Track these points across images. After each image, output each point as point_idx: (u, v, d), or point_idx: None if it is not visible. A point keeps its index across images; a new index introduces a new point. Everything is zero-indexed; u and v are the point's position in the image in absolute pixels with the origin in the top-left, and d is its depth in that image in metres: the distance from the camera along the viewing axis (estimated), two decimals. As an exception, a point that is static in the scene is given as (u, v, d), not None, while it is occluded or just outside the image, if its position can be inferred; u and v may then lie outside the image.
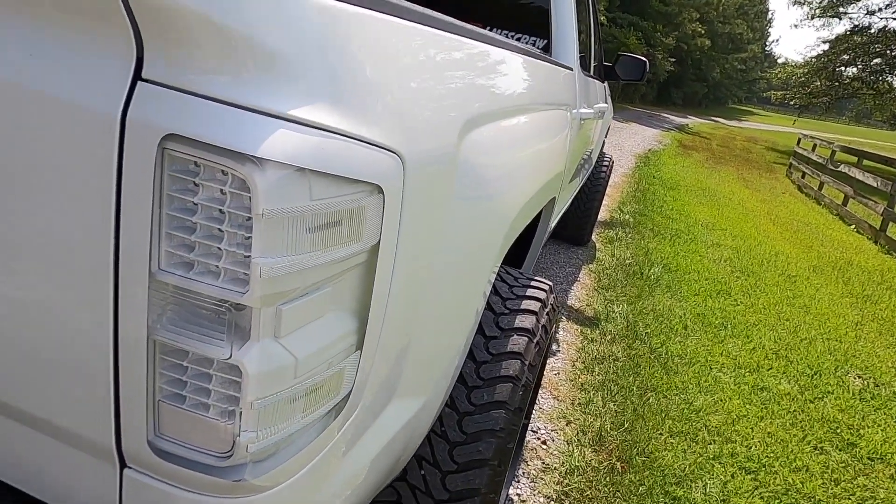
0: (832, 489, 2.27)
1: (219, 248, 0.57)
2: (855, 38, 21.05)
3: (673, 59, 31.81)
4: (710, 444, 2.37)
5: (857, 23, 21.59)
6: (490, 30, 2.48)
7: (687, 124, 25.08)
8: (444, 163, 0.84)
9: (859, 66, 21.60)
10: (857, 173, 8.85)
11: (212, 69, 0.54)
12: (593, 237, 5.04)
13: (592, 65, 3.33)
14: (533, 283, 1.46)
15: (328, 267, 0.64)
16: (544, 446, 2.16)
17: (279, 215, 0.56)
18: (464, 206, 0.94)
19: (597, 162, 4.42)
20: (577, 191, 3.59)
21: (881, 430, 2.77)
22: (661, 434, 2.36)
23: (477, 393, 1.23)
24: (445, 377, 1.11)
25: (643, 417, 2.45)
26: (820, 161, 10.86)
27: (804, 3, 22.48)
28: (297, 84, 0.58)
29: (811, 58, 23.06)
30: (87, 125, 0.56)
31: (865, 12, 21.38)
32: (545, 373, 2.68)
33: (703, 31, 35.12)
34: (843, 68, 22.03)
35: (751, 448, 2.40)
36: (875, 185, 8.13)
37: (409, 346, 0.88)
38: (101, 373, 0.63)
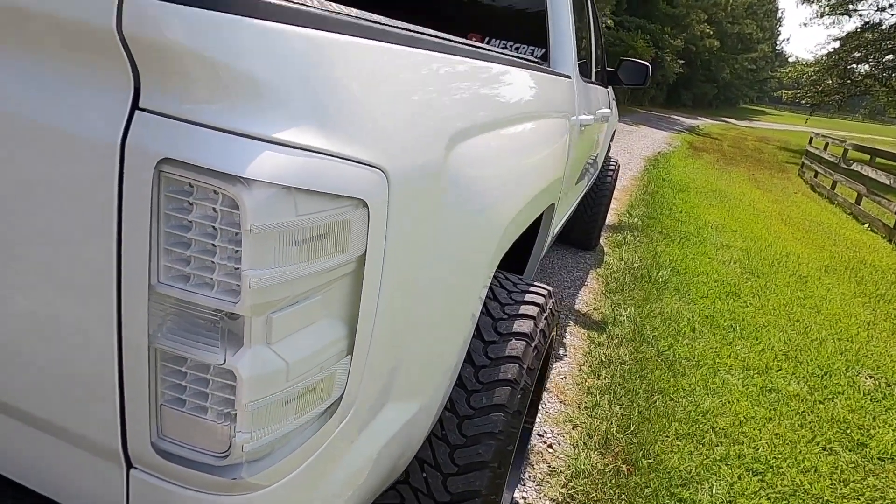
0: (841, 490, 2.26)
1: (212, 262, 0.62)
2: (866, 34, 20.82)
3: (682, 61, 31.68)
4: (717, 445, 2.37)
5: (867, 19, 21.40)
6: (489, 41, 2.53)
7: (697, 126, 24.91)
8: (430, 176, 0.88)
9: (871, 63, 21.37)
10: (870, 171, 8.77)
11: (203, 98, 0.60)
12: (601, 241, 5.05)
13: (594, 71, 3.37)
14: (532, 289, 1.49)
15: (316, 277, 0.68)
16: (550, 450, 2.18)
17: (267, 230, 0.61)
18: (455, 215, 0.98)
19: (602, 166, 4.44)
20: (581, 195, 3.62)
21: (892, 431, 2.75)
22: (667, 436, 2.37)
23: (476, 396, 1.26)
24: (442, 381, 1.15)
25: (649, 420, 2.47)
26: (832, 160, 10.77)
27: (813, 1, 22.33)
28: (282, 109, 0.63)
29: (822, 56, 22.84)
30: (90, 151, 0.61)
31: (876, 9, 21.13)
32: (552, 377, 2.71)
33: (711, 32, 34.97)
34: (854, 66, 21.82)
35: (758, 449, 2.40)
36: (888, 182, 8.06)
37: (402, 351, 0.92)
38: (107, 380, 0.68)
